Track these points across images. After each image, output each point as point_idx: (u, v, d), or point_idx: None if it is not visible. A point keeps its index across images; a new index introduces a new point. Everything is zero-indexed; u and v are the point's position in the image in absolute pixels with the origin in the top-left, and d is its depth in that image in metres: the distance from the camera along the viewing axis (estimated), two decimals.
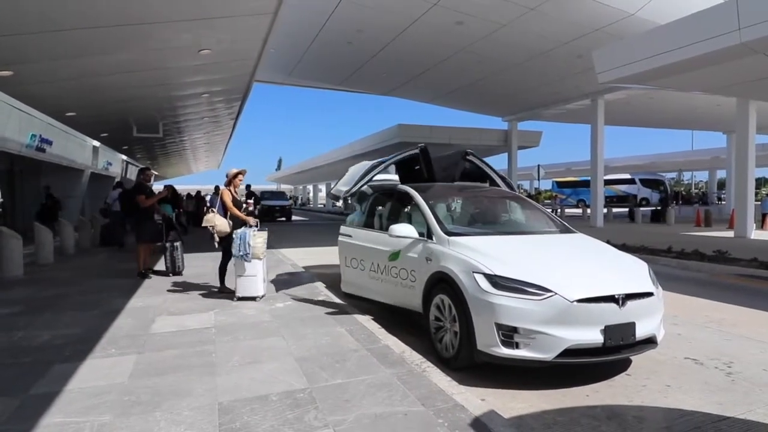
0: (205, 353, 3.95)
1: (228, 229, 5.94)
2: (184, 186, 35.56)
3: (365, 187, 5.69)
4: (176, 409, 2.91)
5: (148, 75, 8.41)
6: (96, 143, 16.16)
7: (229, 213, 6.01)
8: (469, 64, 16.79)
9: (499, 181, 6.05)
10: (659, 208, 24.11)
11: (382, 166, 5.70)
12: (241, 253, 5.70)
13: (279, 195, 30.12)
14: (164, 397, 3.09)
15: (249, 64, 8.55)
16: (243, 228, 5.84)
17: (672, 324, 4.90)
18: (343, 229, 5.88)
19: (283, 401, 3.02)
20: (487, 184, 6.10)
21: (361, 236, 5.50)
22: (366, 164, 5.99)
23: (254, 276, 5.86)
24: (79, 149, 14.70)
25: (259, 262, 5.83)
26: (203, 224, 6.02)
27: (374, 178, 5.68)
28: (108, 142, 16.77)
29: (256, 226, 6.05)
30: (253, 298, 5.88)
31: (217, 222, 5.93)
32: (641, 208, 25.29)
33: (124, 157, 21.97)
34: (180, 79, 9.20)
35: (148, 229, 7.62)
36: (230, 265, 6.10)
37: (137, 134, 13.09)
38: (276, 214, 25.09)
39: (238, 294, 5.89)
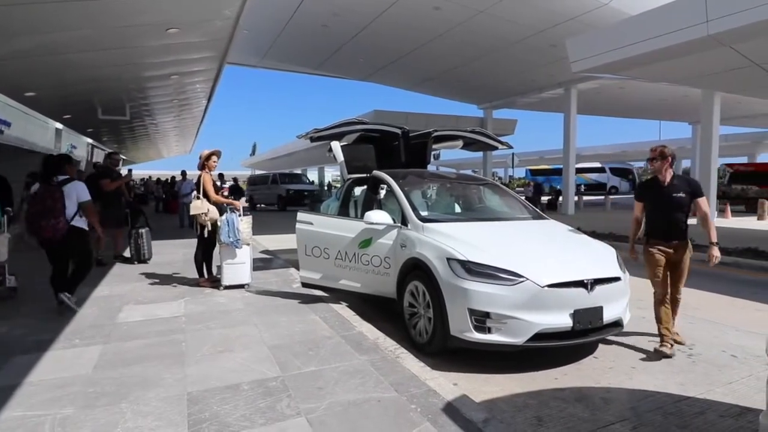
0: (174, 342, 3.86)
1: (218, 216, 5.68)
2: (155, 171, 34.50)
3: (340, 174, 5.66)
4: (143, 400, 2.84)
5: (112, 54, 8.01)
6: (59, 125, 15.42)
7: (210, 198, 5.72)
8: (446, 50, 16.75)
9: (471, 135, 6.13)
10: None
11: (360, 126, 5.66)
12: (231, 239, 5.51)
13: (299, 178, 25.81)
14: (130, 388, 3.01)
15: (220, 45, 8.25)
16: (228, 213, 5.62)
17: (637, 308, 5.05)
18: (301, 215, 5.22)
19: (254, 390, 2.98)
20: (460, 142, 6.18)
21: (324, 223, 5.06)
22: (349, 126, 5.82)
23: (243, 263, 5.71)
24: (40, 131, 13.99)
25: (247, 248, 5.72)
26: (192, 212, 5.66)
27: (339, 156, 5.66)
28: (72, 124, 16.01)
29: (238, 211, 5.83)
30: (241, 286, 5.72)
31: (209, 208, 5.62)
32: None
33: (90, 141, 21.11)
34: (147, 59, 8.81)
35: (113, 215, 7.39)
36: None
37: (103, 116, 12.53)
38: (304, 201, 21.11)
39: (225, 282, 5.68)
